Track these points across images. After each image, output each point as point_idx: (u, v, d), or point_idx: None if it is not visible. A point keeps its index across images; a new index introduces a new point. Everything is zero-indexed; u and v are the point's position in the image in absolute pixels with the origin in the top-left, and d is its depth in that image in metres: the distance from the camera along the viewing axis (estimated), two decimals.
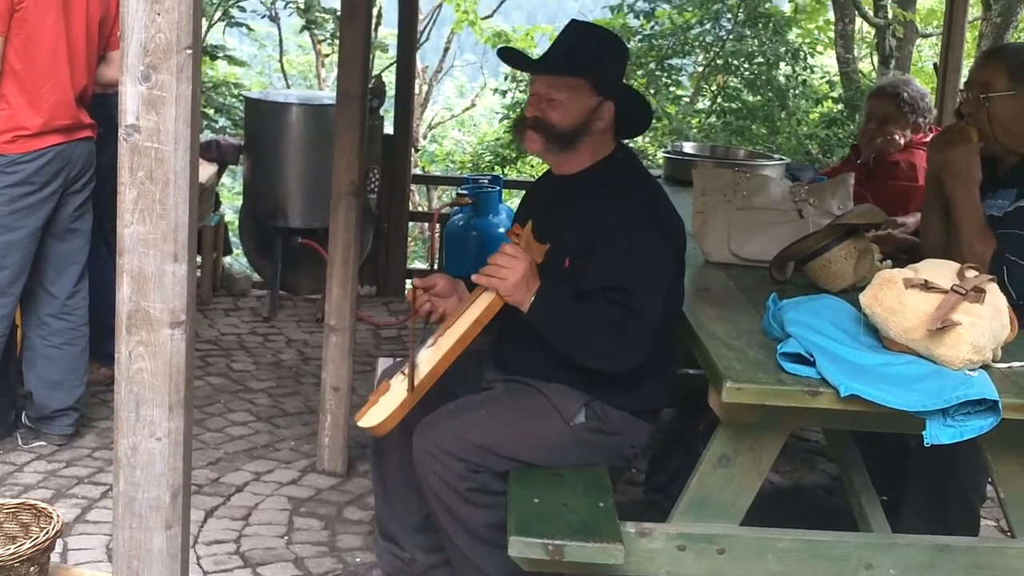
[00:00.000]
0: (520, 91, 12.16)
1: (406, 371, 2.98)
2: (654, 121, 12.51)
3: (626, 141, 3.28)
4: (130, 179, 2.03)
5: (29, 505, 2.75)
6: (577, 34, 3.18)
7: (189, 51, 1.99)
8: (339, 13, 5.16)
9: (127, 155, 2.01)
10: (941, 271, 2.70)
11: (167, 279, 2.04)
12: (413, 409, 3.04)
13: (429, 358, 2.99)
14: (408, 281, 7.35)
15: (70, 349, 4.43)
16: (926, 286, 2.64)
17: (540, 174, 3.36)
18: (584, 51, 3.13)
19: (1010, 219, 3.32)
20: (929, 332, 2.59)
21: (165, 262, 2.04)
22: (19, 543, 2.55)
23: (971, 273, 2.68)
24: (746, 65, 12.37)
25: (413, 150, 9.31)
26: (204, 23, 10.43)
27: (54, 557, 3.04)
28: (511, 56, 3.35)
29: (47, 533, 2.56)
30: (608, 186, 3.11)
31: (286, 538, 3.87)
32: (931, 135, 4.76)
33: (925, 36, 12.85)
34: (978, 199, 3.38)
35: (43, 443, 4.43)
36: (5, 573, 2.46)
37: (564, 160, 3.20)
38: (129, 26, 1.97)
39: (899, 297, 2.64)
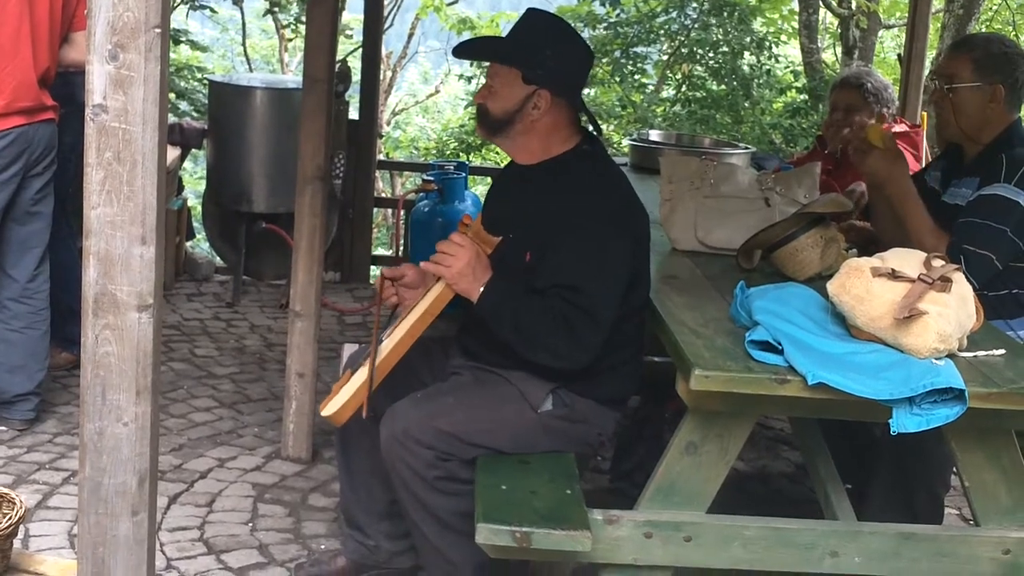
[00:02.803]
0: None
1: (364, 362, 2.98)
2: (619, 109, 12.62)
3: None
4: (97, 160, 1.99)
5: None
6: (523, 22, 3.14)
7: (158, 30, 1.96)
8: None
9: (94, 135, 1.98)
10: (908, 260, 2.72)
11: (135, 262, 2.02)
12: (380, 396, 3.06)
13: (382, 348, 3.00)
14: (373, 268, 7.33)
15: (31, 333, 4.38)
16: (893, 275, 2.64)
17: (506, 161, 3.34)
18: (520, 39, 3.10)
19: (971, 208, 3.35)
20: (896, 321, 2.60)
21: (133, 245, 2.01)
22: None
23: (938, 262, 2.69)
24: (711, 54, 12.40)
25: (377, 136, 9.27)
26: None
27: (15, 543, 3.01)
28: (464, 50, 3.29)
29: (10, 519, 2.53)
30: (568, 180, 3.08)
31: (250, 525, 3.85)
32: (895, 125, 4.80)
33: (888, 27, 12.92)
34: (915, 192, 3.40)
35: (3, 428, 4.38)
36: None
37: (513, 149, 3.19)
38: (97, 4, 1.95)
39: (866, 286, 2.65)
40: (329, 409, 2.99)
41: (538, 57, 3.04)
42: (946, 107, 3.49)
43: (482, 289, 2.95)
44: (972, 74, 3.45)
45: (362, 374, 2.98)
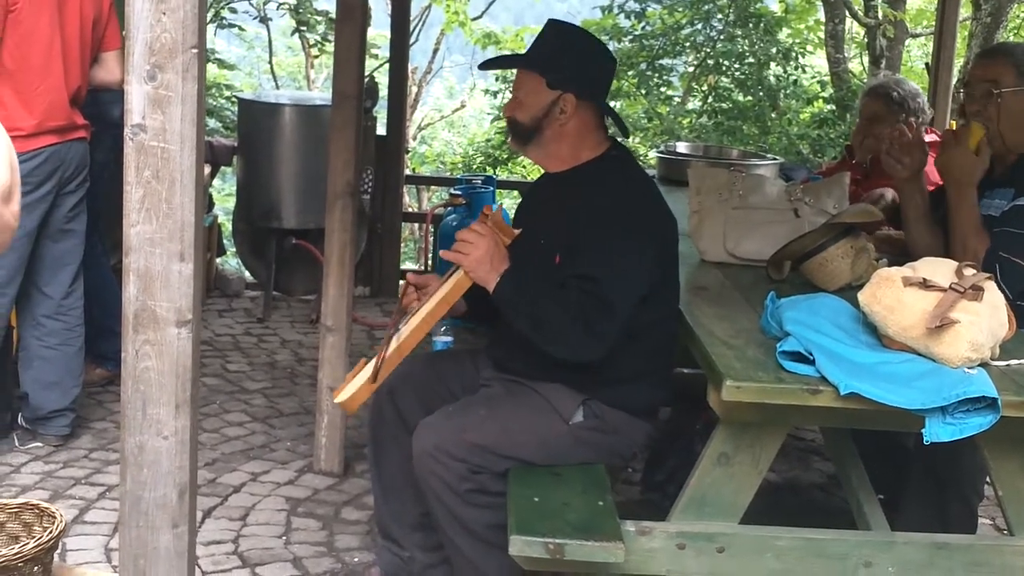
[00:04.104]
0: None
1: (379, 350, 3.03)
2: (645, 121, 12.63)
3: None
4: (136, 178, 2.03)
5: (31, 505, 2.74)
6: (543, 33, 3.22)
7: (195, 50, 2.00)
8: (331, 15, 5.16)
9: (133, 154, 2.02)
10: (939, 269, 2.72)
11: (173, 278, 2.05)
12: (412, 408, 3.13)
13: (400, 333, 3.04)
14: (402, 282, 7.36)
15: (66, 350, 4.43)
16: (925, 284, 2.65)
17: (533, 175, 3.39)
18: (541, 48, 3.18)
19: (1007, 218, 3.33)
20: (928, 330, 2.60)
21: (172, 261, 2.04)
22: (23, 543, 2.54)
23: (969, 271, 2.69)
24: (737, 65, 12.40)
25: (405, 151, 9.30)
26: None
27: (55, 557, 3.04)
28: (489, 63, 3.42)
29: (50, 533, 2.55)
30: (595, 183, 3.13)
31: (284, 538, 3.88)
32: (926, 135, 4.78)
33: (915, 36, 12.89)
34: (975, 199, 3.39)
35: (40, 444, 4.43)
36: (9, 572, 2.46)
37: (545, 157, 3.24)
38: (135, 25, 1.98)
39: (898, 295, 2.65)
40: (342, 396, 3.02)
41: (560, 62, 3.11)
42: (992, 113, 3.46)
43: (499, 279, 2.98)
44: (1016, 79, 3.42)
45: (372, 364, 3.02)
